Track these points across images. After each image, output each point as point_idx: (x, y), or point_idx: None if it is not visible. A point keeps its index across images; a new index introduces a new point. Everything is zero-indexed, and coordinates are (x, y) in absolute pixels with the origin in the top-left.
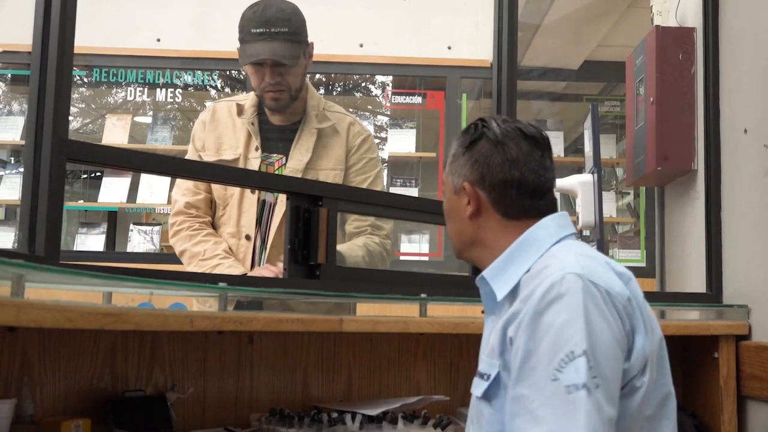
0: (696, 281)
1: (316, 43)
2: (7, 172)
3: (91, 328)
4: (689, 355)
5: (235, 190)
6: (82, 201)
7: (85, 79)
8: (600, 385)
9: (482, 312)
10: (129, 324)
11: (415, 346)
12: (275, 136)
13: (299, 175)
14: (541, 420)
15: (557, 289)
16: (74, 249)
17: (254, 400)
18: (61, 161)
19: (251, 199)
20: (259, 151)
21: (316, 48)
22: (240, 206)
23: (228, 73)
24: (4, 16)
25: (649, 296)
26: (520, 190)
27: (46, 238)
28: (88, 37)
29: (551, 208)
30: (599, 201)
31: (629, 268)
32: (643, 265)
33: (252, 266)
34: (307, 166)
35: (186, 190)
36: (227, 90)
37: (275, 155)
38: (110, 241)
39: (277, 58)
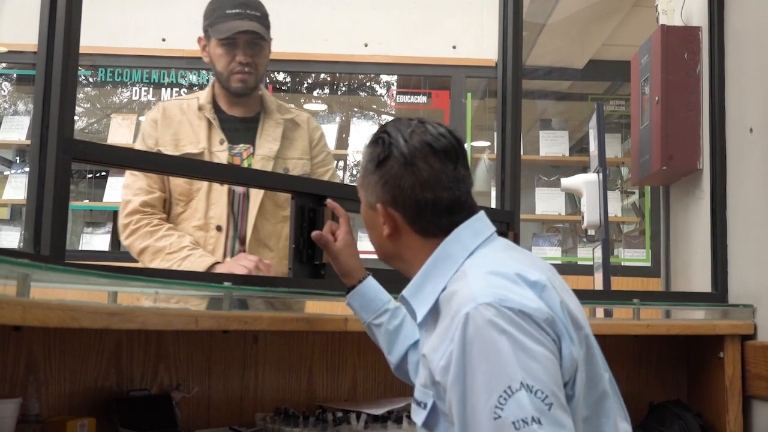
0: (701, 281)
1: (321, 43)
2: (13, 171)
3: (97, 328)
4: (695, 355)
5: (203, 184)
6: (87, 200)
7: (91, 79)
8: (553, 403)
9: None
10: (134, 323)
11: None
12: (236, 128)
13: (270, 163)
14: None
15: (473, 324)
16: (79, 248)
17: (259, 399)
18: (66, 161)
19: (220, 190)
20: (225, 144)
21: (321, 47)
22: (208, 198)
23: None
24: (10, 17)
25: (654, 296)
26: (435, 209)
27: (51, 238)
28: (93, 37)
29: (470, 216)
30: (604, 200)
31: (635, 268)
32: (649, 264)
33: (224, 257)
34: (276, 155)
35: (139, 189)
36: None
37: (241, 145)
38: (115, 240)
39: (257, 30)
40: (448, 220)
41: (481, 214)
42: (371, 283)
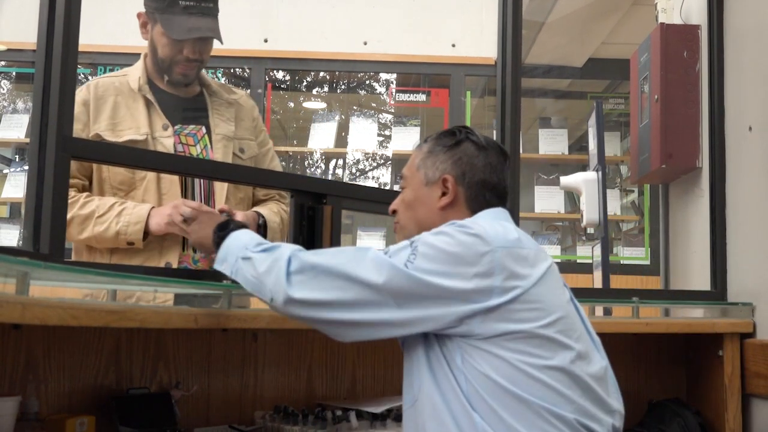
0: (700, 279)
1: (321, 41)
2: (12, 169)
3: (96, 326)
4: (694, 353)
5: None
6: None
7: (90, 77)
8: (409, 268)
9: None
10: (133, 321)
11: None
12: (180, 107)
13: (231, 144)
14: None
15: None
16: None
17: (258, 397)
18: (65, 159)
19: (170, 178)
20: (170, 128)
21: (320, 45)
22: (159, 188)
23: (232, 70)
24: (9, 14)
25: (654, 294)
26: (494, 192)
27: (50, 236)
28: (92, 35)
29: None
30: (603, 198)
31: (634, 266)
32: (648, 263)
33: (184, 248)
34: (233, 135)
35: None
36: (229, 86)
37: (192, 126)
38: None
39: (216, 36)
40: (498, 205)
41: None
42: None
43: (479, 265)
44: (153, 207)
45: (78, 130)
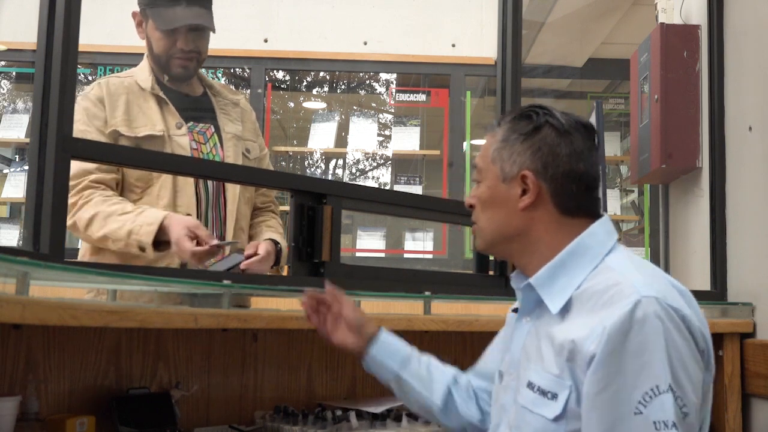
0: (700, 279)
1: (321, 41)
2: (12, 169)
3: (96, 326)
4: None
5: None
6: None
7: (90, 77)
8: (689, 413)
9: (513, 311)
10: (133, 321)
11: (419, 343)
12: (190, 106)
13: (240, 144)
14: None
15: (636, 314)
16: (78, 247)
17: (258, 397)
18: (65, 159)
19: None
20: (184, 127)
21: (320, 45)
22: (174, 185)
23: (232, 70)
24: (9, 14)
25: None
26: (580, 184)
27: (50, 236)
28: (92, 35)
29: (599, 206)
30: (603, 198)
31: None
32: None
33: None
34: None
35: (94, 167)
36: (231, 88)
37: (201, 124)
38: None
39: (206, 24)
40: (588, 200)
41: (607, 216)
42: (386, 330)
43: (700, 358)
44: (169, 214)
45: (99, 127)
